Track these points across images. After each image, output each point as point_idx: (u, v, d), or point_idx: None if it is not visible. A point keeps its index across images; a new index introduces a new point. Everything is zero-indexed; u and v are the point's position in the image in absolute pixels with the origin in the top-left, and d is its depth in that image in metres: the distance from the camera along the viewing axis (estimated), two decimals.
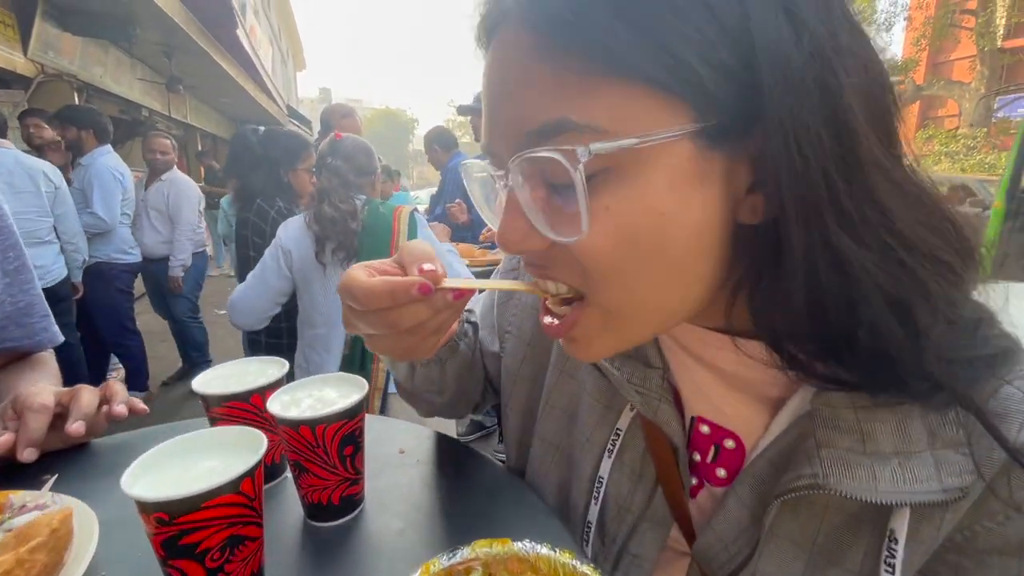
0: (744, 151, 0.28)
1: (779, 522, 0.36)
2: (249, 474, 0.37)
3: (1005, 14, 15.08)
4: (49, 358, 0.83)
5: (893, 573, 0.32)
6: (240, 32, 5.75)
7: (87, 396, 0.60)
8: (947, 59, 19.69)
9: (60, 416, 0.60)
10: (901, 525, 0.32)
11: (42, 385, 0.61)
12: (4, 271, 0.73)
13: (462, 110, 2.63)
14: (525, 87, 0.28)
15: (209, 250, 8.40)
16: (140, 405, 0.64)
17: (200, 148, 9.26)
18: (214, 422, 0.52)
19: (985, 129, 14.73)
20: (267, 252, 1.54)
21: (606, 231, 0.28)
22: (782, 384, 0.37)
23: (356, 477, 0.49)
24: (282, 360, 0.57)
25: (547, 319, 0.35)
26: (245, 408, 0.51)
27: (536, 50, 0.28)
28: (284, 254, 1.51)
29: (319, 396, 0.49)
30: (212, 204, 7.27)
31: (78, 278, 2.78)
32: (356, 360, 1.48)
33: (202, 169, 8.04)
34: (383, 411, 1.51)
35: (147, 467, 0.38)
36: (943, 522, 0.32)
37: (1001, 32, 15.08)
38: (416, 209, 1.66)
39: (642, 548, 0.43)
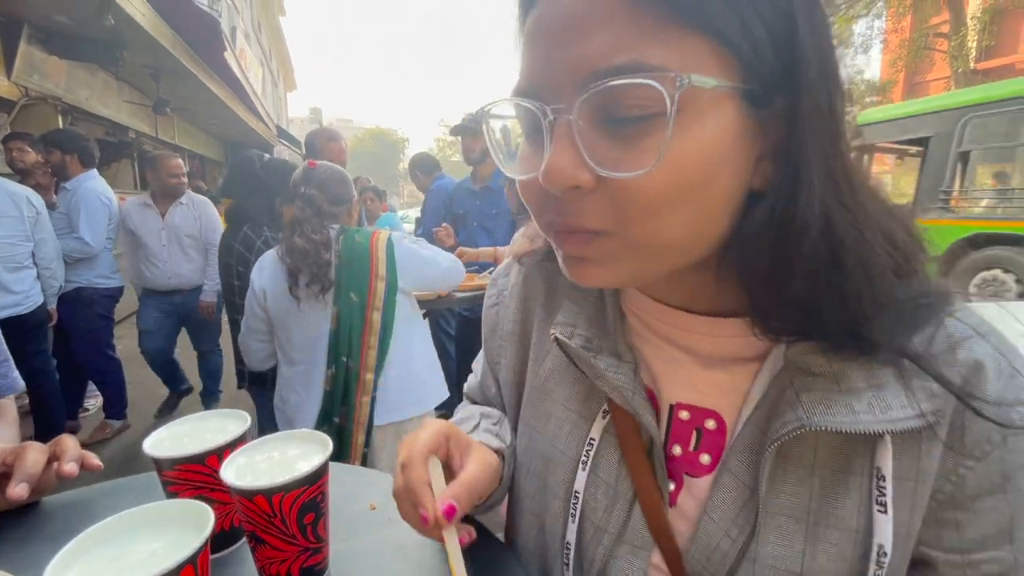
0: (768, 120, 0.31)
1: (773, 492, 0.36)
2: (190, 561, 0.34)
3: (976, 37, 15.64)
4: (8, 405, 0.78)
5: (886, 511, 0.33)
6: (228, 55, 5.76)
7: (32, 455, 0.56)
8: (923, 80, 20.30)
9: (4, 476, 0.56)
10: (885, 461, 0.34)
11: None
12: None
13: (455, 130, 2.64)
14: (599, 25, 0.28)
15: None
16: (94, 460, 0.60)
17: (188, 169, 9.22)
18: (167, 486, 0.48)
19: None
20: (248, 293, 1.51)
21: (666, 167, 0.29)
22: (755, 352, 0.38)
23: (318, 546, 0.46)
24: (243, 414, 0.53)
25: (564, 241, 0.34)
26: (200, 471, 0.47)
27: None
28: (258, 295, 1.48)
29: (279, 458, 0.46)
30: None
31: (53, 304, 2.71)
32: (339, 395, 1.43)
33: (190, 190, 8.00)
34: (367, 445, 1.45)
35: (78, 552, 0.35)
36: (922, 453, 0.34)
37: (974, 54, 15.62)
38: (394, 232, 1.64)
39: (622, 575, 0.41)
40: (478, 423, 0.51)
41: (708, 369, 0.40)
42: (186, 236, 2.94)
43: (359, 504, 0.58)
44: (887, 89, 17.62)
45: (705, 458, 0.40)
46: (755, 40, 0.29)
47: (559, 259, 0.36)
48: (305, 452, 0.47)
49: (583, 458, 0.43)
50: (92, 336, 2.92)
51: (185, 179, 3.04)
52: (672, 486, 0.41)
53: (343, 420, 1.43)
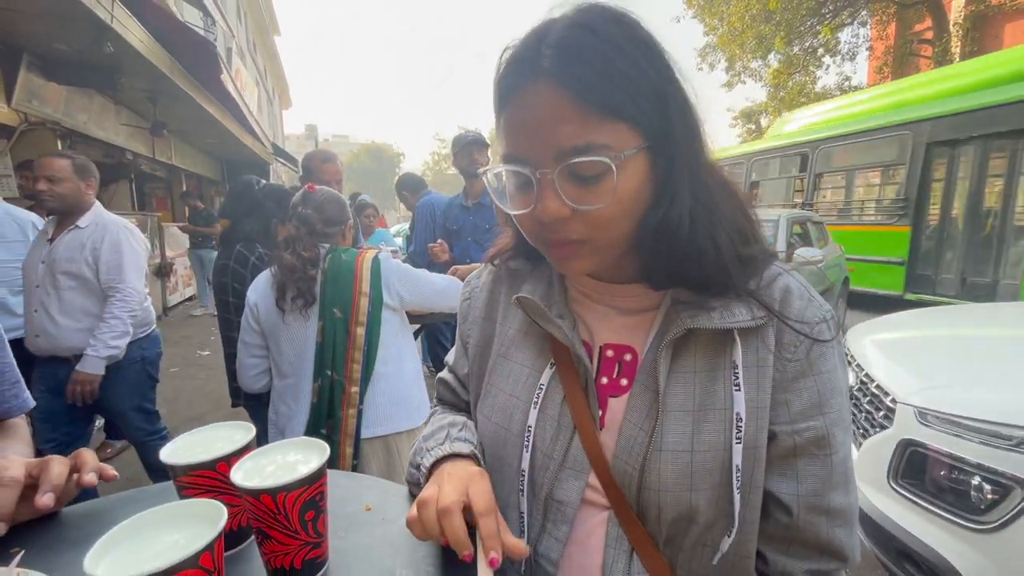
0: (658, 161, 0.47)
1: (668, 393, 0.50)
2: (208, 548, 0.39)
3: (959, 43, 15.94)
4: (20, 424, 0.83)
5: (740, 389, 0.49)
6: (225, 77, 5.87)
7: (57, 467, 0.61)
8: None
9: (30, 487, 0.61)
10: (737, 354, 0.50)
11: (12, 458, 0.63)
12: None
13: (460, 141, 2.72)
14: (561, 121, 0.44)
15: (192, 291, 8.37)
16: (110, 471, 0.66)
17: (185, 188, 9.29)
18: (181, 490, 0.53)
19: None
20: (244, 309, 1.57)
21: (616, 202, 0.46)
22: (653, 303, 0.56)
23: (318, 540, 0.51)
24: (249, 425, 0.59)
25: (554, 249, 0.51)
26: (211, 476, 0.53)
27: (566, 99, 0.44)
28: (252, 308, 1.54)
29: (282, 462, 0.51)
30: (197, 243, 7.30)
31: None
32: (324, 409, 1.47)
33: (187, 209, 8.06)
34: (356, 456, 1.49)
35: (109, 546, 0.40)
36: (759, 347, 0.50)
37: (957, 60, 15.90)
38: (382, 250, 1.69)
39: (565, 495, 0.54)
40: (448, 433, 0.61)
41: (623, 317, 0.57)
42: (63, 275, 1.97)
43: (355, 506, 0.63)
44: None
45: (624, 381, 0.55)
46: (648, 117, 0.46)
47: (550, 259, 0.52)
48: (305, 457, 0.52)
49: (535, 399, 0.56)
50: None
51: (68, 187, 1.99)
52: (600, 412, 0.55)
53: (329, 431, 1.48)
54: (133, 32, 3.99)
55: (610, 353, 0.57)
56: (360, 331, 1.49)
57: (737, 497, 0.49)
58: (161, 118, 5.99)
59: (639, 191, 0.47)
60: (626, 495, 0.51)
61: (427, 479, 0.55)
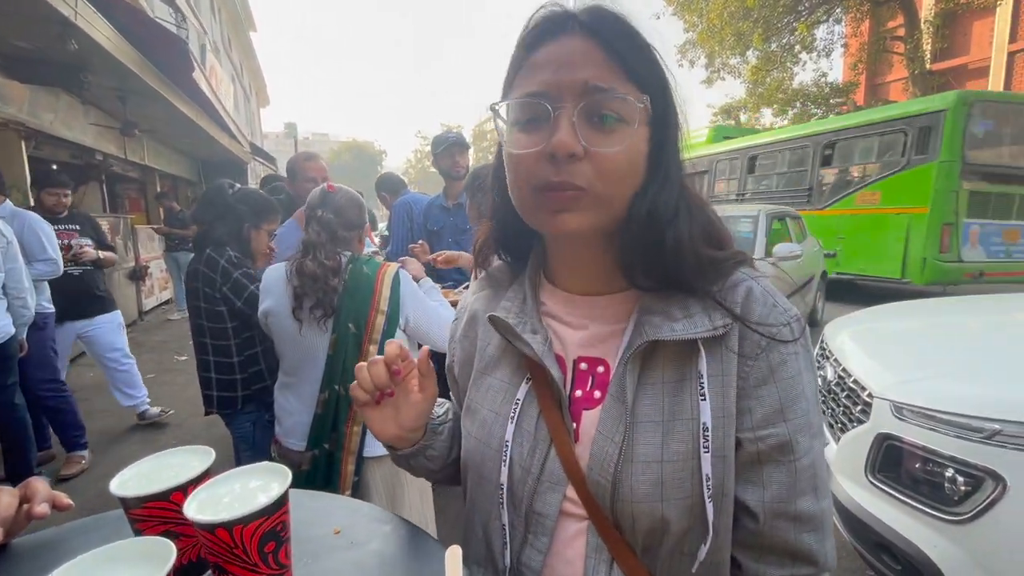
0: (651, 140, 0.50)
1: (637, 404, 0.51)
2: None
3: (931, 40, 16.32)
4: None
5: (705, 399, 0.50)
6: (197, 75, 5.71)
7: (5, 499, 0.58)
8: (883, 81, 21.06)
9: None
10: (702, 364, 0.51)
11: None
12: None
13: (440, 141, 2.69)
14: (590, 64, 0.47)
15: (169, 294, 8.18)
16: (64, 500, 0.62)
17: (160, 189, 9.06)
18: (135, 523, 0.51)
19: None
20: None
21: (627, 151, 0.48)
22: (624, 315, 0.56)
23: (280, 572, 0.49)
24: (208, 449, 0.56)
25: (552, 195, 0.49)
26: (165, 507, 0.50)
27: (597, 48, 0.48)
28: (262, 315, 1.52)
29: (240, 491, 0.49)
30: (173, 246, 7.13)
31: (23, 335, 2.66)
32: (328, 422, 1.43)
33: (161, 211, 7.86)
34: (358, 473, 1.45)
35: None
36: (723, 356, 0.51)
37: (928, 56, 16.28)
38: (403, 264, 1.65)
39: (544, 507, 0.54)
40: None
41: (596, 330, 0.57)
42: None
43: (322, 529, 0.61)
44: (850, 91, 18.22)
45: (597, 393, 0.55)
46: (655, 98, 0.49)
47: (542, 215, 0.51)
48: (266, 483, 0.50)
49: (511, 414, 0.57)
50: (47, 361, 2.89)
51: None
52: (575, 425, 0.55)
53: (332, 446, 1.44)
54: (99, 29, 3.85)
55: (583, 366, 0.57)
56: (373, 349, 1.44)
57: (710, 506, 0.49)
58: (132, 117, 5.81)
59: (640, 159, 0.49)
60: (602, 506, 0.52)
61: None
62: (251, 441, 1.91)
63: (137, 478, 0.53)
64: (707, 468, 0.49)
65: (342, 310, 1.43)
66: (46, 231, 2.85)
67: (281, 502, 0.48)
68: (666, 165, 0.51)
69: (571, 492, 0.54)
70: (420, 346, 1.69)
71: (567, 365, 0.58)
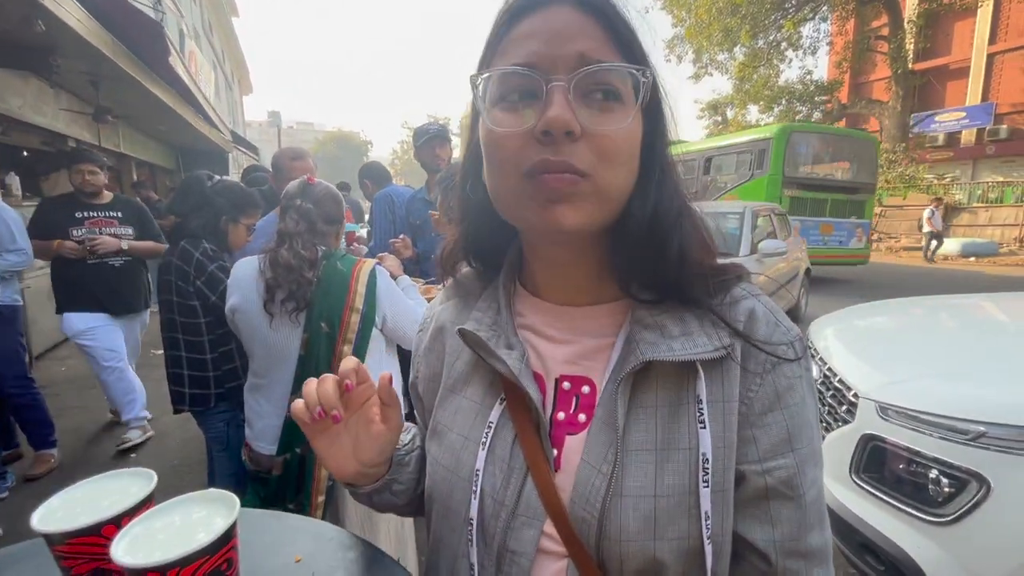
0: (645, 132, 0.46)
1: (628, 431, 0.46)
2: None
3: (913, 40, 16.55)
4: None
5: (705, 427, 0.45)
6: (174, 60, 5.51)
7: None
8: (867, 80, 21.33)
9: None
10: (701, 388, 0.45)
11: None
12: None
13: (421, 132, 2.64)
14: (586, 36, 0.42)
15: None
16: None
17: (136, 178, 8.80)
18: (60, 560, 0.45)
19: (904, 144, 15.97)
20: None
21: (627, 130, 0.43)
22: (612, 330, 0.51)
23: None
24: (150, 473, 0.50)
25: (549, 180, 0.43)
26: (95, 542, 0.44)
27: (590, 19, 0.43)
28: (228, 312, 1.43)
29: (180, 525, 0.43)
30: None
31: None
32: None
33: (138, 200, 7.63)
34: (331, 478, 1.38)
35: None
36: (724, 381, 0.46)
37: (911, 56, 16.51)
38: (381, 260, 1.59)
39: (519, 545, 0.48)
40: None
41: (580, 345, 0.51)
42: None
43: (283, 556, 0.56)
44: (834, 89, 18.42)
45: (582, 417, 0.50)
46: (648, 86, 0.44)
47: (535, 206, 0.43)
48: (209, 515, 0.44)
49: (483, 439, 0.50)
50: (15, 357, 2.76)
51: None
52: (556, 452, 0.49)
53: (305, 451, 1.38)
54: (68, 10, 3.67)
55: (567, 385, 0.51)
56: (347, 349, 1.38)
57: (709, 549, 0.44)
58: (105, 103, 5.60)
59: (637, 147, 0.45)
60: (585, 544, 0.46)
61: None
62: (225, 441, 1.85)
63: (66, 506, 0.47)
64: (706, 504, 0.44)
65: (314, 307, 1.36)
66: (15, 219, 2.73)
67: (227, 538, 0.42)
68: (661, 160, 0.46)
69: (549, 527, 0.48)
70: (398, 348, 1.61)
71: (547, 384, 0.52)
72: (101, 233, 2.95)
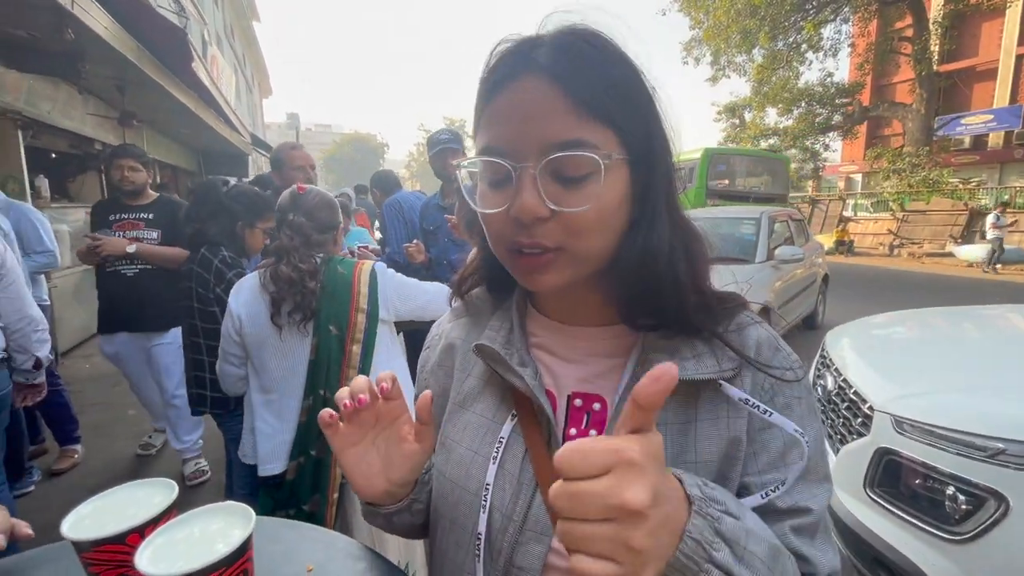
0: (636, 179, 0.46)
1: None
2: None
3: (939, 41, 16.18)
4: None
5: (714, 443, 0.47)
6: (196, 66, 5.64)
7: None
8: (889, 82, 20.91)
9: None
10: (709, 408, 0.48)
11: None
12: None
13: (433, 142, 2.66)
14: (552, 115, 0.43)
15: None
16: (24, 530, 0.59)
17: (159, 180, 9.01)
18: (88, 567, 0.47)
19: (928, 147, 15.62)
20: (224, 318, 1.49)
21: (597, 207, 0.44)
22: (624, 349, 0.53)
23: None
24: (171, 484, 0.53)
25: (523, 260, 0.47)
26: (121, 550, 0.47)
27: (559, 94, 0.43)
28: (234, 319, 1.45)
29: (199, 536, 0.46)
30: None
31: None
32: (315, 429, 1.39)
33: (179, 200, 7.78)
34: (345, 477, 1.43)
35: None
36: (729, 400, 0.47)
37: (936, 57, 16.15)
38: (370, 253, 1.63)
39: (526, 560, 0.49)
40: None
41: (592, 366, 0.53)
42: None
43: (295, 566, 0.58)
44: (855, 91, 18.09)
45: (593, 432, 0.51)
46: (634, 132, 0.45)
47: (516, 273, 0.49)
48: (228, 526, 0.47)
49: (494, 454, 0.52)
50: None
51: None
52: None
53: (320, 452, 1.41)
54: (96, 18, 3.79)
55: (578, 402, 0.53)
56: (356, 349, 1.42)
57: None
58: (130, 107, 5.75)
59: (619, 205, 0.46)
60: None
61: None
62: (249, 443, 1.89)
63: (94, 514, 0.50)
64: None
65: (321, 313, 1.40)
66: (42, 221, 2.81)
67: (243, 549, 0.44)
68: (654, 203, 0.47)
69: (557, 543, 0.48)
70: (408, 342, 1.64)
71: (558, 401, 0.53)
72: (125, 236, 2.62)
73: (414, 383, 0.70)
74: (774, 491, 0.46)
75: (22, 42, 4.09)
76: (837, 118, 18.11)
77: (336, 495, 1.43)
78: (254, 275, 1.46)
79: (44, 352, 1.96)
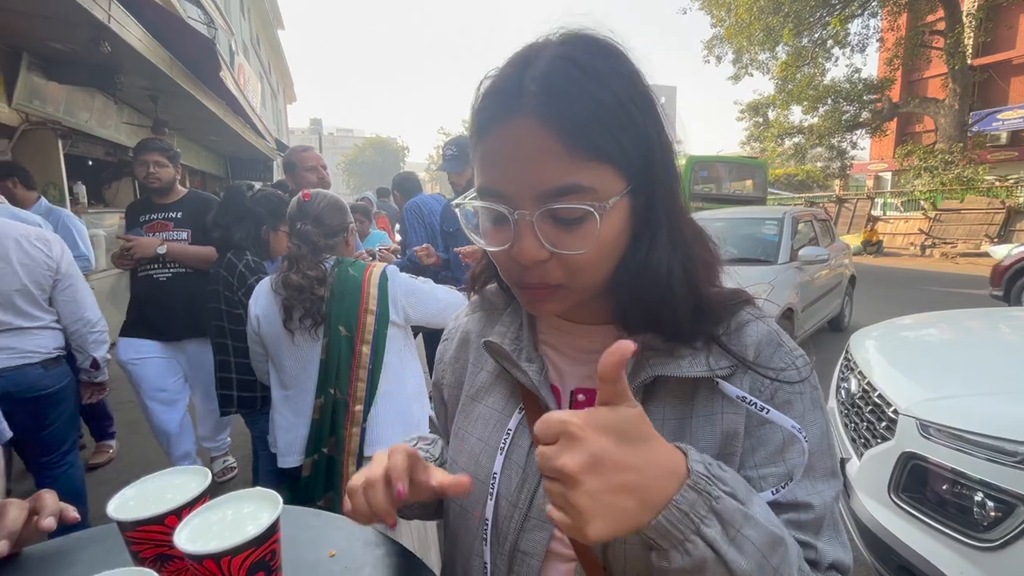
0: (637, 200, 0.46)
1: None
2: None
3: (972, 34, 15.62)
4: None
5: (711, 439, 0.49)
6: (224, 75, 5.83)
7: (13, 512, 0.60)
8: (921, 77, 20.28)
9: None
10: (705, 404, 0.49)
11: None
12: None
13: (447, 166, 2.67)
14: (544, 159, 0.42)
15: None
16: (71, 514, 0.64)
17: (189, 186, 9.30)
18: (130, 545, 0.51)
19: (961, 144, 15.08)
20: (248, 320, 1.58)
21: (597, 248, 0.45)
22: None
23: None
24: (205, 471, 0.57)
25: (527, 292, 0.49)
26: (160, 530, 0.50)
27: (550, 137, 0.42)
28: (252, 321, 1.53)
29: (232, 518, 0.49)
30: None
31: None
32: (327, 427, 1.45)
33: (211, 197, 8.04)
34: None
35: None
36: (724, 397, 0.49)
37: (970, 51, 15.59)
38: (390, 266, 1.67)
39: (530, 546, 0.52)
40: (415, 444, 0.63)
41: (595, 363, 0.52)
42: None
43: (319, 551, 0.61)
44: (885, 87, 17.57)
45: None
46: (631, 158, 0.44)
47: (521, 300, 0.51)
48: (257, 511, 0.50)
49: (502, 445, 0.54)
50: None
51: None
52: None
53: (332, 450, 1.46)
54: (131, 31, 3.96)
55: (582, 398, 0.55)
56: (365, 349, 1.46)
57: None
58: (163, 116, 5.97)
59: (620, 234, 0.46)
60: (592, 548, 0.49)
61: None
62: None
63: (136, 497, 0.54)
64: None
65: (331, 315, 1.45)
66: (78, 226, 2.95)
67: (271, 532, 0.48)
68: (655, 220, 0.47)
69: (559, 532, 0.51)
70: (420, 334, 1.72)
71: (563, 396, 0.56)
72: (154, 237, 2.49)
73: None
74: (784, 487, 0.46)
75: (62, 55, 4.30)
76: (865, 115, 17.62)
77: None
78: (268, 279, 1.53)
79: (100, 353, 2.07)
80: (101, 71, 4.56)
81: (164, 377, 2.55)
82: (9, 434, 0.82)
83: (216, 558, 0.44)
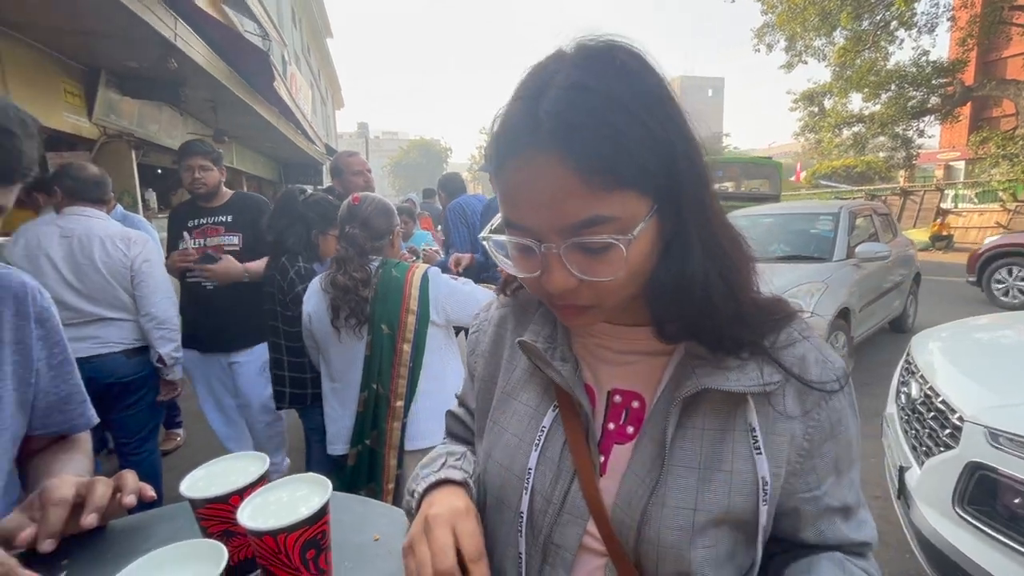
0: (665, 214, 0.46)
1: (674, 447, 0.50)
2: None
3: None
4: (84, 438, 0.91)
5: (761, 453, 0.49)
6: (278, 84, 6.14)
7: (101, 488, 0.67)
8: (999, 57, 18.68)
9: (79, 505, 0.67)
10: (752, 418, 0.49)
11: (64, 477, 0.69)
12: (50, 365, 0.82)
13: (483, 168, 2.73)
14: (565, 194, 0.42)
15: None
16: (148, 492, 0.71)
17: (246, 190, 9.84)
18: (200, 521, 0.57)
19: None
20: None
21: (626, 267, 0.45)
22: (664, 349, 0.54)
23: None
24: (263, 457, 0.62)
25: (561, 309, 0.51)
26: (225, 508, 0.56)
27: (568, 172, 0.41)
28: (304, 319, 1.65)
29: (287, 500, 0.54)
30: None
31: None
32: (369, 420, 1.53)
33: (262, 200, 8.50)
34: (400, 467, 1.54)
35: None
36: (775, 409, 0.50)
37: None
38: (432, 268, 1.72)
39: (564, 539, 0.53)
40: (444, 461, 0.63)
41: (632, 363, 0.56)
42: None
43: (364, 535, 0.65)
44: (957, 70, 16.28)
45: (630, 428, 0.54)
46: (656, 179, 0.43)
47: (556, 314, 0.53)
48: (309, 494, 0.54)
49: (536, 441, 0.56)
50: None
51: None
52: (602, 459, 0.54)
53: (374, 443, 1.53)
54: (195, 48, 4.24)
55: (618, 399, 0.56)
56: (407, 348, 1.53)
57: (759, 558, 0.50)
58: (223, 125, 6.36)
59: (649, 254, 0.47)
60: (624, 545, 0.51)
61: (418, 507, 0.56)
62: (322, 432, 2.05)
63: (205, 479, 0.59)
64: (764, 519, 0.49)
65: (374, 314, 1.52)
66: (150, 231, 3.18)
67: (321, 514, 0.52)
68: (685, 231, 0.47)
69: (592, 527, 0.53)
70: (459, 331, 1.80)
71: (597, 396, 0.57)
72: (206, 244, 2.42)
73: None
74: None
75: (134, 72, 4.65)
76: (934, 100, 16.40)
77: (391, 485, 1.53)
78: (318, 278, 1.62)
79: (165, 350, 2.19)
80: (168, 85, 4.90)
81: (210, 384, 2.59)
82: (96, 419, 0.91)
83: (274, 534, 0.49)
